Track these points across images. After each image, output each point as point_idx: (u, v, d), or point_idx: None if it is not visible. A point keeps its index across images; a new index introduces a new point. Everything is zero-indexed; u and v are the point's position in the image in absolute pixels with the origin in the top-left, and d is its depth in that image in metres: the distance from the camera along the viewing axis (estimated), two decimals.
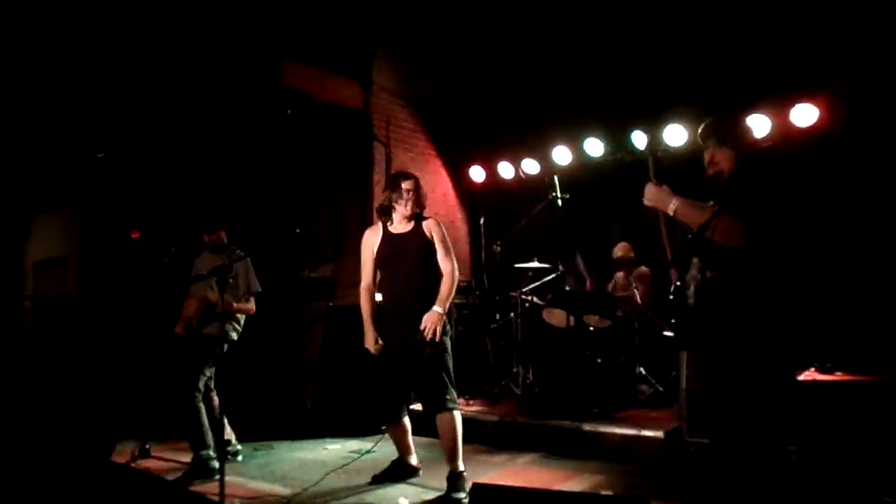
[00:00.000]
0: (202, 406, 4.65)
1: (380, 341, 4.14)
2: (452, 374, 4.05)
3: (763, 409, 2.74)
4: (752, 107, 5.75)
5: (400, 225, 4.19)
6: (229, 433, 4.95)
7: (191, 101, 6.97)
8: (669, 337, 5.79)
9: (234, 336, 4.93)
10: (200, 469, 4.47)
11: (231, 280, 4.56)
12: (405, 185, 4.14)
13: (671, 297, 3.02)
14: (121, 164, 8.66)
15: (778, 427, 2.79)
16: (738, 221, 2.78)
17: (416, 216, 4.20)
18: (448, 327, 4.14)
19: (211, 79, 6.34)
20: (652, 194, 3.03)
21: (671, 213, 2.94)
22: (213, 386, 4.81)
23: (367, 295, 4.28)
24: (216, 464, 4.45)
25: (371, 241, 4.26)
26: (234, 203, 8.07)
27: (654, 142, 3.22)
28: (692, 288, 2.93)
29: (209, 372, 4.75)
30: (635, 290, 6.18)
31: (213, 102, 6.99)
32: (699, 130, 3.21)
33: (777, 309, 2.80)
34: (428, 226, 4.18)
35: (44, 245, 10.99)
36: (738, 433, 2.80)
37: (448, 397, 3.98)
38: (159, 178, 8.97)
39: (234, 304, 4.73)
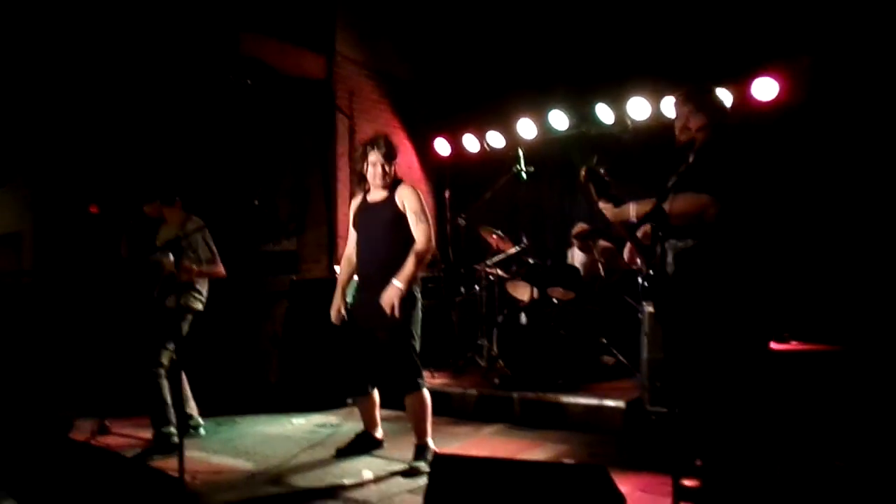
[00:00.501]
0: (164, 382, 4.54)
1: (342, 311, 4.11)
2: (417, 351, 3.97)
3: (739, 375, 2.81)
4: (714, 80, 5.78)
5: (376, 193, 4.10)
6: (192, 408, 4.89)
7: (147, 71, 6.79)
8: (632, 308, 5.86)
9: (199, 306, 4.78)
10: (162, 445, 4.40)
11: (191, 252, 4.50)
12: (370, 157, 4.04)
13: (650, 267, 3.04)
14: (76, 137, 8.44)
15: (752, 393, 2.85)
16: (699, 196, 2.87)
17: (393, 183, 4.06)
18: (417, 301, 4.00)
19: (168, 48, 6.18)
20: (610, 213, 3.17)
21: (635, 220, 3.00)
22: (177, 360, 4.72)
23: (345, 262, 4.26)
24: (177, 440, 4.41)
25: (353, 209, 4.21)
26: (192, 174, 7.93)
27: (591, 160, 3.26)
28: (670, 256, 2.98)
29: (171, 346, 4.58)
30: (599, 263, 6.23)
31: (170, 72, 6.82)
32: (677, 96, 3.25)
33: (752, 277, 2.89)
34: (401, 194, 4.02)
35: None
36: (712, 400, 2.85)
37: (413, 378, 3.93)
38: (116, 150, 8.76)
39: (195, 268, 4.59)
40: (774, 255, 3.22)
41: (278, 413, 5.58)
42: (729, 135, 3.09)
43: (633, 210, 3.03)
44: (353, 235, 4.21)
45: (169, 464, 3.78)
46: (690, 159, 3.10)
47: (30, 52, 5.94)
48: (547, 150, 7.19)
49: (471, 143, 7.66)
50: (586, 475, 2.25)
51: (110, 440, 4.74)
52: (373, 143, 4.09)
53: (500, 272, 6.40)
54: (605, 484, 2.19)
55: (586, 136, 6.92)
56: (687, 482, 2.84)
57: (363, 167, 4.08)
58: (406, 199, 4.01)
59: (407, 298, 3.90)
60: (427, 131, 7.98)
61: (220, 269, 4.79)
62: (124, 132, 8.43)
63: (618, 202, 3.13)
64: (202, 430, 4.92)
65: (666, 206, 2.80)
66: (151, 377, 4.49)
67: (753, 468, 2.69)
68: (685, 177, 3.01)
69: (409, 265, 3.89)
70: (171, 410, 4.48)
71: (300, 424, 5.28)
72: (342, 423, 4.69)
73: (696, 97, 3.17)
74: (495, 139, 7.49)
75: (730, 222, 2.87)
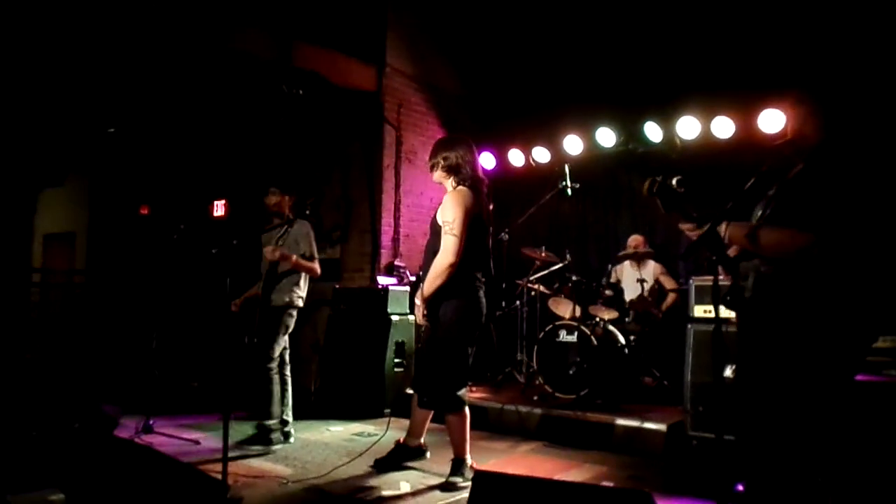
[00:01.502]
0: (276, 377, 4.79)
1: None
2: (458, 367, 3.84)
3: (814, 407, 2.53)
4: (765, 99, 5.69)
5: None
6: (289, 414, 4.92)
7: (203, 81, 6.96)
8: (676, 329, 5.77)
9: (300, 303, 4.90)
10: (262, 437, 4.68)
11: (293, 244, 4.77)
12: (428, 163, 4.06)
13: (730, 289, 2.75)
14: (131, 141, 8.68)
15: (824, 428, 2.61)
16: (801, 234, 2.49)
17: (454, 186, 3.93)
18: (458, 314, 3.81)
19: (223, 59, 6.32)
20: (691, 232, 2.77)
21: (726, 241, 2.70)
22: (287, 359, 4.93)
23: None
24: (278, 435, 4.75)
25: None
26: (242, 181, 8.08)
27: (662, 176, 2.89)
28: (751, 279, 2.71)
29: (283, 342, 4.85)
30: (644, 284, 6.16)
31: (224, 82, 6.98)
32: (793, 93, 2.83)
33: (846, 304, 2.51)
34: (444, 202, 3.86)
35: (53, 219, 11.05)
36: (778, 431, 2.65)
37: (447, 397, 3.84)
38: (169, 156, 9.00)
39: (294, 258, 4.72)
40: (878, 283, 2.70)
41: (316, 420, 5.62)
42: (846, 155, 2.61)
43: (729, 230, 2.67)
44: None
45: (211, 466, 3.84)
46: (791, 177, 2.72)
47: (90, 58, 6.13)
48: (593, 167, 7.14)
49: (516, 157, 7.65)
50: (630, 500, 2.21)
51: (154, 439, 4.83)
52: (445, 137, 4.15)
53: (542, 288, 6.38)
54: None
55: (634, 154, 6.85)
56: None
57: None
58: (444, 207, 3.84)
59: (442, 313, 3.82)
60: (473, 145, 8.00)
61: (317, 267, 4.90)
62: (176, 139, 8.65)
63: (692, 219, 2.77)
64: (292, 439, 4.89)
65: (755, 238, 2.59)
66: (265, 371, 4.74)
67: (812, 499, 2.56)
68: (780, 204, 2.66)
69: (427, 279, 3.81)
70: (278, 406, 4.77)
71: (338, 432, 5.31)
72: (379, 433, 4.69)
73: (813, 96, 2.74)
74: (541, 154, 7.47)
75: (834, 260, 2.49)
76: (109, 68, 6.47)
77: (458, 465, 3.91)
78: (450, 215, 3.77)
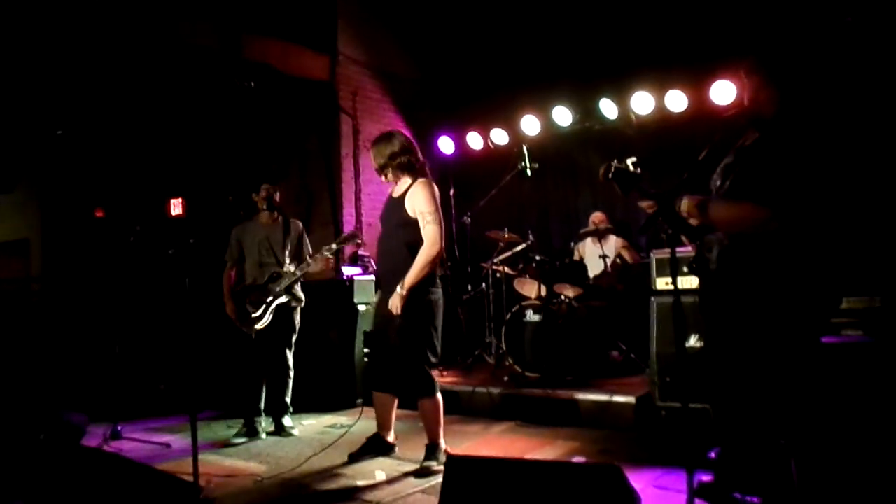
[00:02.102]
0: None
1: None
2: (431, 355, 3.91)
3: (785, 375, 2.59)
4: (717, 71, 5.76)
5: (398, 186, 4.06)
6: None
7: (153, 77, 6.80)
8: (640, 303, 5.85)
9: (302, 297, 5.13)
10: (252, 430, 4.90)
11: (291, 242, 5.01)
12: (371, 153, 4.09)
13: (694, 258, 2.81)
14: (82, 142, 8.46)
15: (787, 391, 2.61)
16: (758, 208, 2.52)
17: (413, 179, 3.98)
18: (431, 303, 3.91)
19: (171, 53, 6.18)
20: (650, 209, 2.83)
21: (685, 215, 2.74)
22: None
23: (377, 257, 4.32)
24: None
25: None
26: (197, 177, 7.94)
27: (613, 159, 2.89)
28: (715, 251, 2.75)
29: (294, 337, 5.08)
30: (606, 260, 6.23)
31: (175, 77, 6.83)
32: (746, 63, 2.81)
33: (807, 274, 2.55)
34: (412, 194, 3.90)
35: (5, 227, 10.75)
36: (746, 396, 2.66)
37: (424, 382, 3.90)
38: (122, 156, 8.79)
39: (329, 260, 4.95)
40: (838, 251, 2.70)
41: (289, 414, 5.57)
42: (802, 128, 2.61)
43: (684, 204, 2.72)
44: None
45: (180, 467, 3.80)
46: (748, 145, 2.74)
47: (34, 58, 5.95)
48: (551, 147, 7.18)
49: (475, 140, 7.65)
50: (601, 475, 2.25)
51: (122, 445, 4.76)
52: (375, 140, 4.15)
53: (506, 269, 6.41)
54: (620, 483, 2.19)
55: (591, 132, 6.90)
56: (701, 476, 2.83)
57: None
58: (416, 200, 3.88)
59: (417, 302, 3.85)
60: (431, 130, 7.98)
61: (319, 266, 5.00)
62: (128, 137, 8.45)
63: (650, 196, 2.83)
64: (263, 435, 4.97)
65: (710, 208, 2.63)
66: (288, 367, 5.00)
67: (776, 462, 2.62)
68: (739, 177, 2.68)
69: (414, 269, 3.81)
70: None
71: (311, 425, 5.29)
72: (352, 424, 4.69)
73: (769, 65, 2.73)
74: (499, 136, 7.49)
75: (792, 232, 2.53)
76: (55, 67, 6.29)
77: (432, 450, 3.93)
78: (427, 206, 3.85)
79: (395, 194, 4.07)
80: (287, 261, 4.91)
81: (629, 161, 2.84)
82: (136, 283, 6.35)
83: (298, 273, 4.85)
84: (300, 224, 5.17)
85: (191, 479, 3.23)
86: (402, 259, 3.89)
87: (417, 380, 3.91)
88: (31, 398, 5.42)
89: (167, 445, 4.76)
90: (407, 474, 3.84)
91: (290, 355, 5.05)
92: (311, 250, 5.09)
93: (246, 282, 4.96)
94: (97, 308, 7.70)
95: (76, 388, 6.16)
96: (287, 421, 5.04)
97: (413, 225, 3.90)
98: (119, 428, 4.94)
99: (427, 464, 3.86)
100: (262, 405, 4.98)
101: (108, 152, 8.86)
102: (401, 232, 3.93)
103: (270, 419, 5.03)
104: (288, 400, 5.06)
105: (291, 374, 5.08)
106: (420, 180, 3.97)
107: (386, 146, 4.02)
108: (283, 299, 4.89)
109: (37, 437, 4.23)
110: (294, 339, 5.09)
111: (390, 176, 4.04)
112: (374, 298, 6.27)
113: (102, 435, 4.82)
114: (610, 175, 2.82)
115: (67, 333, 8.35)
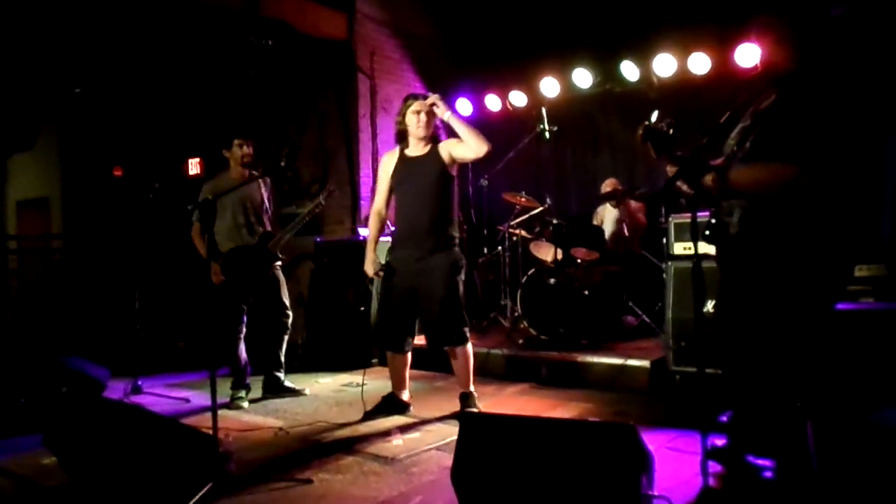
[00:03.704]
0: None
1: (380, 265, 4.16)
2: (463, 306, 4.10)
3: (806, 337, 2.58)
4: (742, 32, 5.63)
5: (416, 148, 4.10)
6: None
7: (171, 35, 6.76)
8: (656, 268, 5.82)
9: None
10: (276, 386, 4.93)
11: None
12: (414, 106, 4.06)
13: (709, 224, 2.75)
14: (101, 101, 8.47)
15: (809, 360, 2.60)
16: (786, 166, 2.46)
17: (434, 139, 4.09)
18: (462, 260, 4.12)
19: (190, 10, 6.13)
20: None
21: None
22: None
23: (377, 219, 4.29)
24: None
25: (388, 165, 4.20)
26: (214, 137, 7.94)
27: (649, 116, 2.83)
28: (736, 215, 2.70)
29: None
30: (623, 224, 6.19)
31: (193, 35, 6.79)
32: (759, 22, 2.76)
33: (834, 234, 2.52)
34: (445, 146, 4.05)
35: (25, 185, 10.85)
36: (764, 360, 2.65)
37: (463, 331, 4.06)
38: (141, 115, 8.80)
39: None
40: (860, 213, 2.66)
41: (305, 373, 5.66)
42: (822, 81, 2.56)
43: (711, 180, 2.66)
44: (383, 190, 4.24)
45: (201, 421, 3.87)
46: (764, 107, 2.68)
47: (52, 16, 5.93)
48: (570, 109, 7.09)
49: (493, 102, 7.58)
50: (615, 433, 2.26)
51: (143, 399, 4.86)
52: (414, 94, 4.19)
53: (523, 233, 6.39)
54: (634, 442, 2.20)
55: (611, 94, 6.81)
56: (714, 440, 2.84)
57: (402, 121, 4.10)
58: (451, 148, 4.02)
59: (457, 256, 4.07)
60: (449, 91, 7.89)
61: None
62: (146, 96, 8.44)
63: (678, 161, 2.78)
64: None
65: (732, 174, 2.58)
66: (286, 324, 4.90)
67: (792, 424, 2.61)
68: (760, 138, 2.63)
69: (468, 127, 3.93)
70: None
71: (327, 384, 5.36)
72: (368, 383, 4.74)
73: (780, 23, 2.66)
74: (518, 98, 7.41)
75: (819, 189, 2.49)
76: (74, 25, 6.27)
77: (467, 397, 4.14)
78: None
79: (414, 153, 4.10)
80: (266, 222, 4.83)
81: (664, 122, 2.80)
82: (154, 241, 6.40)
83: (290, 234, 4.79)
84: (269, 181, 5.01)
85: (209, 432, 3.29)
86: (445, 211, 4.03)
87: (458, 328, 4.04)
88: (53, 352, 5.53)
89: (186, 400, 4.86)
90: (422, 432, 3.89)
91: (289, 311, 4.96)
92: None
93: (221, 245, 4.69)
94: (117, 265, 7.79)
95: (97, 342, 6.27)
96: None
97: (449, 179, 4.05)
98: (139, 383, 5.04)
99: (468, 410, 4.04)
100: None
101: (126, 111, 8.88)
102: (437, 186, 4.01)
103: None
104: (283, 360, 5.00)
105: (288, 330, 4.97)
106: (451, 138, 4.10)
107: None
108: (277, 263, 4.82)
109: (59, 390, 4.33)
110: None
111: (425, 126, 4.04)
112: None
113: (123, 389, 4.92)
114: (646, 134, 2.78)
115: (88, 289, 8.47)
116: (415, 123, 4.04)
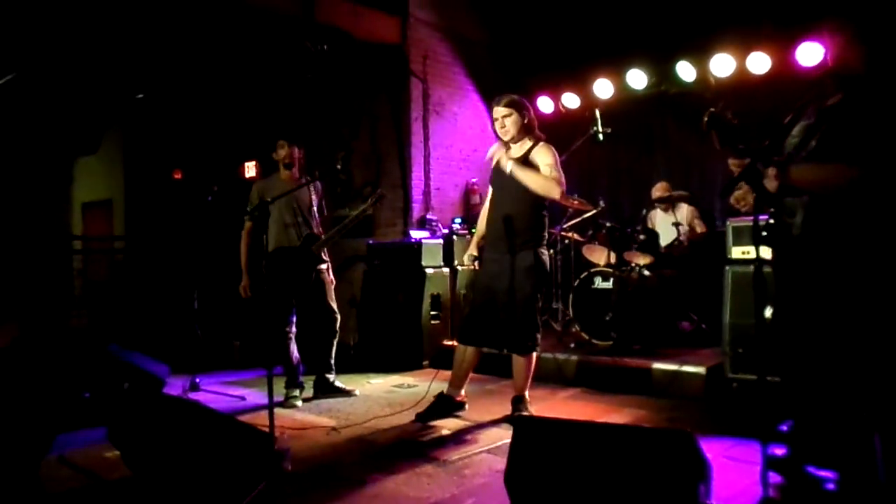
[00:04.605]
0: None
1: (472, 257, 4.24)
2: (538, 317, 4.08)
3: (870, 346, 2.48)
4: (803, 32, 5.49)
5: (514, 149, 4.09)
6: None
7: (228, 41, 6.93)
8: (713, 272, 5.70)
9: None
10: (328, 387, 4.94)
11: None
12: (494, 112, 4.09)
13: (769, 225, 2.70)
14: (162, 106, 8.73)
15: (879, 368, 2.49)
16: (849, 168, 2.42)
17: (533, 142, 4.06)
18: (544, 264, 4.08)
19: (247, 17, 6.28)
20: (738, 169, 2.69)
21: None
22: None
23: (481, 217, 4.37)
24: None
25: (492, 162, 4.22)
26: (270, 142, 8.09)
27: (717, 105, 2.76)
28: (799, 216, 2.62)
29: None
30: (679, 227, 6.08)
31: (250, 42, 6.94)
32: (832, 21, 2.68)
33: None
34: (536, 153, 3.99)
35: (90, 187, 11.24)
36: (831, 369, 2.57)
37: (532, 342, 4.05)
38: (199, 120, 9.04)
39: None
40: None
41: (357, 373, 5.72)
42: (891, 85, 2.49)
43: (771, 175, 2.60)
44: (490, 191, 4.27)
45: (257, 419, 3.95)
46: (829, 106, 2.62)
47: (117, 25, 6.14)
48: (624, 111, 7.00)
49: (545, 104, 7.54)
50: (673, 439, 2.22)
51: (201, 396, 4.97)
52: (497, 97, 4.15)
53: (575, 236, 6.34)
54: (692, 449, 2.16)
55: (666, 96, 6.70)
56: (773, 450, 2.77)
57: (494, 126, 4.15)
58: (538, 156, 3.98)
59: (537, 261, 4.00)
60: (501, 93, 7.87)
61: None
62: (205, 102, 8.66)
63: (741, 154, 2.70)
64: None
65: (794, 171, 2.51)
66: (334, 327, 4.90)
67: (857, 435, 2.52)
68: (825, 137, 2.56)
69: (533, 175, 3.90)
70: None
71: (378, 384, 5.40)
72: (419, 384, 4.77)
73: (854, 23, 2.59)
74: (571, 100, 7.36)
75: (887, 193, 2.41)
76: (137, 33, 6.47)
77: (519, 401, 4.12)
78: (550, 160, 3.97)
79: (511, 157, 4.04)
80: (314, 224, 4.89)
81: (729, 112, 2.73)
82: (212, 242, 6.56)
83: (335, 237, 4.83)
84: (320, 185, 5.07)
85: (266, 429, 3.35)
86: (528, 220, 4.00)
87: (530, 333, 4.03)
88: (116, 349, 5.71)
89: (242, 398, 4.95)
90: (475, 435, 3.88)
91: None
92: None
93: (269, 244, 4.66)
94: (176, 265, 8.01)
95: (157, 340, 6.44)
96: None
97: None
98: (197, 380, 5.16)
99: (519, 413, 4.01)
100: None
101: (186, 116, 9.13)
102: (521, 194, 3.96)
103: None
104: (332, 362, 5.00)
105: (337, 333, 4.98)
106: (542, 143, 4.07)
107: (516, 102, 4.09)
108: (322, 265, 4.85)
109: (121, 386, 4.46)
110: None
111: (511, 136, 4.04)
112: (439, 262, 6.32)
113: (182, 386, 5.05)
114: (711, 123, 2.71)
115: (148, 289, 8.73)
116: (499, 129, 4.09)
